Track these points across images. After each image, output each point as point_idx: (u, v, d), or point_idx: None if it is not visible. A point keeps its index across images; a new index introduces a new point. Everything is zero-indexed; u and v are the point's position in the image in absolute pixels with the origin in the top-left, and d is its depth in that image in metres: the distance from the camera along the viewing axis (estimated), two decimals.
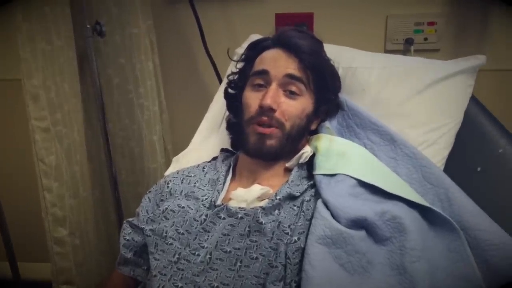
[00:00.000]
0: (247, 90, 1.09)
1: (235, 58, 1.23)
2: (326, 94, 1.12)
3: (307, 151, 1.08)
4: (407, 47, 1.67)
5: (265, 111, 1.02)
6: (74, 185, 1.37)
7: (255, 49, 1.13)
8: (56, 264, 1.36)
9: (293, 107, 1.04)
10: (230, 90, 1.20)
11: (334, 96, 1.16)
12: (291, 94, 1.05)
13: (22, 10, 1.18)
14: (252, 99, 1.06)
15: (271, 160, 1.07)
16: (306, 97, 1.07)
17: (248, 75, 1.11)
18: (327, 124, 1.16)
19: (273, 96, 1.02)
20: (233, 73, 1.20)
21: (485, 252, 0.92)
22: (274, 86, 1.04)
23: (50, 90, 1.26)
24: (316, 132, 1.14)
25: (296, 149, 1.09)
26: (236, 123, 1.17)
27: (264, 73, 1.05)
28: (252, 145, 1.04)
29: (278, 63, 1.05)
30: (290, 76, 1.04)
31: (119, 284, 1.10)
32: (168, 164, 1.67)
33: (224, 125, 1.27)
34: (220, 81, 1.64)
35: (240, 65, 1.18)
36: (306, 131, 1.11)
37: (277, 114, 1.03)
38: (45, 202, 1.31)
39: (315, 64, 1.07)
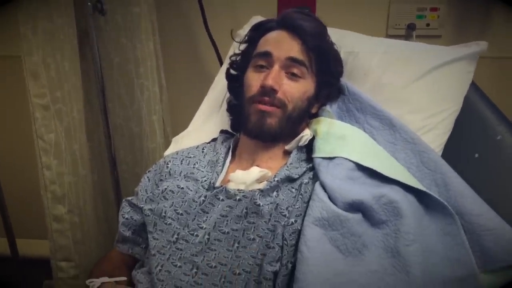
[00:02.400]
0: (249, 71, 1.09)
1: (237, 39, 1.22)
2: (328, 78, 1.12)
3: (307, 134, 1.09)
4: (409, 33, 1.66)
5: (267, 91, 1.02)
6: (74, 163, 1.36)
7: (259, 30, 1.13)
8: (54, 241, 1.36)
9: (294, 89, 1.05)
10: (232, 71, 1.20)
11: (336, 80, 1.16)
12: (293, 76, 1.05)
13: None
14: (254, 79, 1.06)
15: (270, 141, 1.07)
16: (308, 80, 1.07)
17: (250, 57, 1.11)
18: (327, 108, 1.15)
19: (275, 77, 1.02)
20: (235, 54, 1.19)
21: (480, 237, 0.93)
22: (276, 67, 1.04)
23: (50, 67, 1.25)
24: (316, 115, 1.15)
25: (295, 132, 1.09)
26: (236, 105, 1.17)
27: (267, 54, 1.05)
28: (253, 124, 1.05)
29: (281, 45, 1.05)
30: (293, 59, 1.04)
31: (118, 262, 1.11)
32: (167, 144, 1.67)
33: (224, 107, 1.27)
34: (221, 63, 1.63)
35: (243, 46, 1.18)
36: (306, 114, 1.11)
37: (279, 95, 1.03)
38: (44, 179, 1.30)
39: (319, 47, 1.07)
